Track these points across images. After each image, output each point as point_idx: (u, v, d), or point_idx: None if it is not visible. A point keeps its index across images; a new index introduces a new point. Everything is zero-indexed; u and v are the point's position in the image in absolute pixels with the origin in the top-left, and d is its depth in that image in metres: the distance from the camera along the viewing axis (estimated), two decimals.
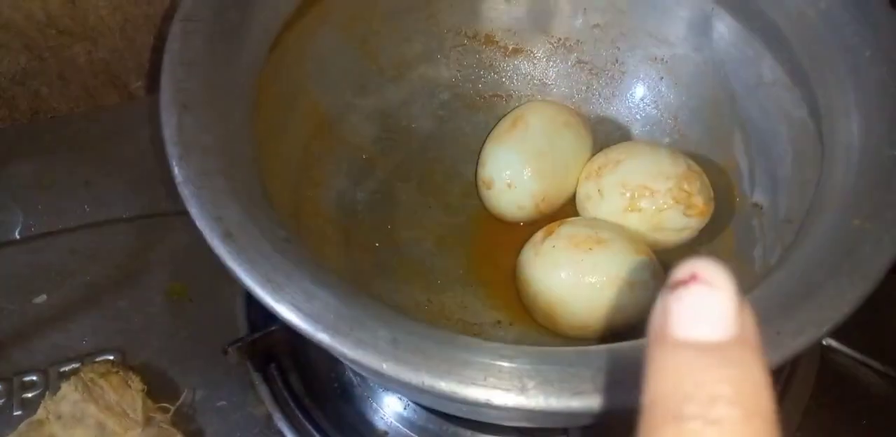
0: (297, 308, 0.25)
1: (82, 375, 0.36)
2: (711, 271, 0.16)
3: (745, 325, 0.16)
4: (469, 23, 0.46)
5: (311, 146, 0.40)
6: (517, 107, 0.45)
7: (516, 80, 0.47)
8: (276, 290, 0.25)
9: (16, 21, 0.49)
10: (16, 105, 0.52)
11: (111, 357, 0.39)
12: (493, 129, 0.44)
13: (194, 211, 0.27)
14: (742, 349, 0.16)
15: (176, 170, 0.28)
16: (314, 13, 0.39)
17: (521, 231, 0.41)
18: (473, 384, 0.24)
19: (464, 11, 0.45)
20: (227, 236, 0.26)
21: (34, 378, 0.39)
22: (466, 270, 0.41)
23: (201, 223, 0.27)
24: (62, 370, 0.39)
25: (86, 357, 0.39)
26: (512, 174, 0.41)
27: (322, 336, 0.25)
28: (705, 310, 0.16)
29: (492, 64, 0.47)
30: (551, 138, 0.42)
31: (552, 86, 0.47)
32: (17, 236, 0.43)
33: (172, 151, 0.29)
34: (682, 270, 0.16)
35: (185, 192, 0.27)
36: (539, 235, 0.39)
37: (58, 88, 0.53)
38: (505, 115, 0.45)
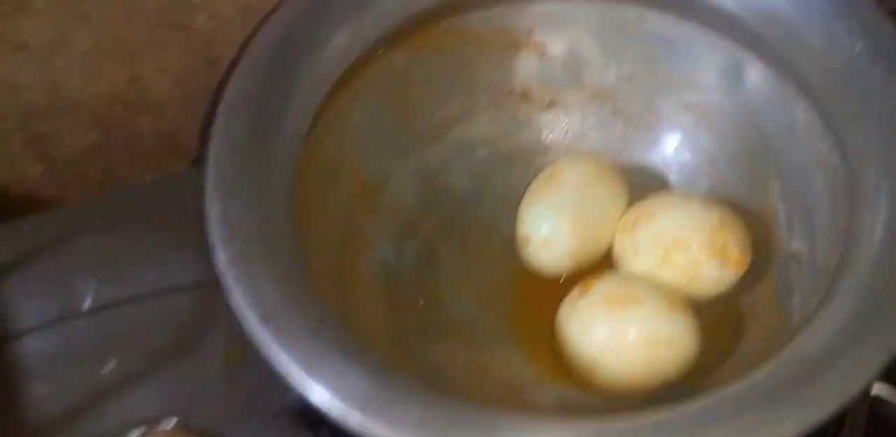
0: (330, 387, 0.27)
1: None
2: None
3: None
4: (504, 80, 0.47)
5: (353, 215, 0.41)
6: (553, 162, 0.46)
7: (553, 133, 0.48)
8: (310, 371, 0.27)
9: (85, 101, 0.52)
10: (87, 178, 0.56)
11: (174, 422, 0.41)
12: (529, 184, 0.45)
13: (235, 296, 0.29)
14: None
15: (218, 256, 0.30)
16: (352, 87, 0.41)
17: (561, 287, 0.42)
18: None
19: (498, 70, 0.46)
20: (265, 321, 0.28)
21: None
22: (508, 327, 0.42)
23: (240, 309, 0.28)
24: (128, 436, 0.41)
25: (150, 423, 0.41)
26: (548, 231, 0.42)
27: (352, 416, 0.26)
28: None
29: (528, 119, 0.48)
30: (585, 193, 0.42)
31: (589, 138, 0.48)
32: (87, 307, 0.46)
33: (215, 237, 0.31)
34: None
35: (227, 277, 0.30)
36: (575, 292, 0.40)
37: (125, 159, 0.57)
38: (542, 168, 0.45)
